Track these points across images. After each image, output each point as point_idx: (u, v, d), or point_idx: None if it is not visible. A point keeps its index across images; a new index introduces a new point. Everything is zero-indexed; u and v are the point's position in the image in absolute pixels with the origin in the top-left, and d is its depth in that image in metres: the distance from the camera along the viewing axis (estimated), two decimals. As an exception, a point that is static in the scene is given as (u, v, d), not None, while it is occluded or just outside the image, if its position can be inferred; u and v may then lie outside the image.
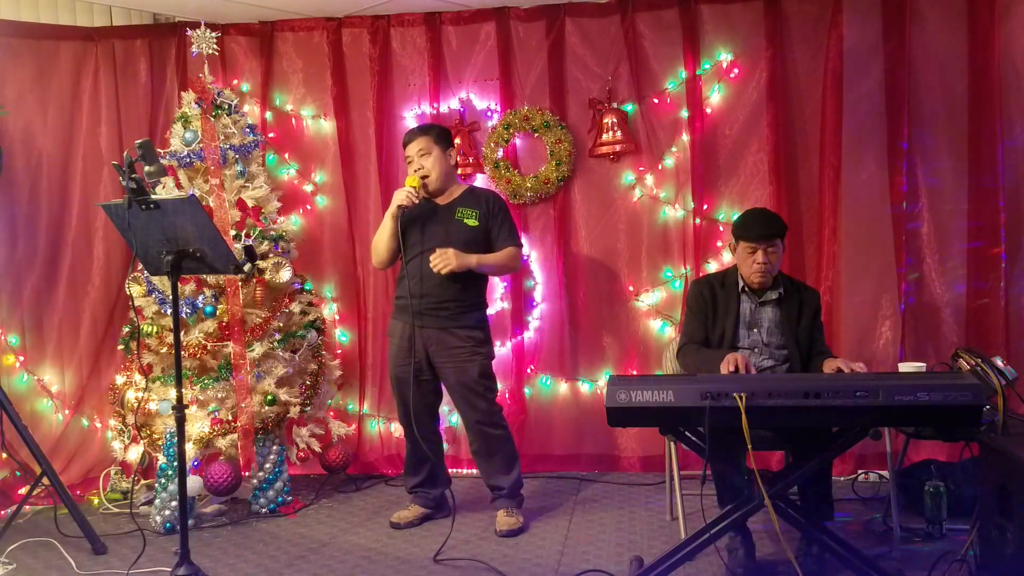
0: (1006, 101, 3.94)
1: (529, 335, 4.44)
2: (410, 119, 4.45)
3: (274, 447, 3.91)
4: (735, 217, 3.48)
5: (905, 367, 2.93)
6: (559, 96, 4.34)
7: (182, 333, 3.63)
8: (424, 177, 3.51)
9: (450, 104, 4.44)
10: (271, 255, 3.96)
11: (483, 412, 3.55)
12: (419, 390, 3.57)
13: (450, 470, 4.00)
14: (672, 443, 3.46)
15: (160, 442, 3.81)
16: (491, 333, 3.68)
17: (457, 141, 4.34)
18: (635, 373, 4.31)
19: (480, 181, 4.40)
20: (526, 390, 4.44)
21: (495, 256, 3.53)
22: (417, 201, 3.44)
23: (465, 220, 3.51)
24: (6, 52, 4.17)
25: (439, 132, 3.61)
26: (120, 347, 4.13)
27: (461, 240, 3.47)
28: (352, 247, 4.52)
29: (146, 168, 2.74)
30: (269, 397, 3.87)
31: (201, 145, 3.92)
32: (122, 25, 4.48)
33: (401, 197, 3.44)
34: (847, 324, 4.14)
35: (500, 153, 4.35)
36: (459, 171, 4.28)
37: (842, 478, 4.02)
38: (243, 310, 3.89)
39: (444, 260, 3.38)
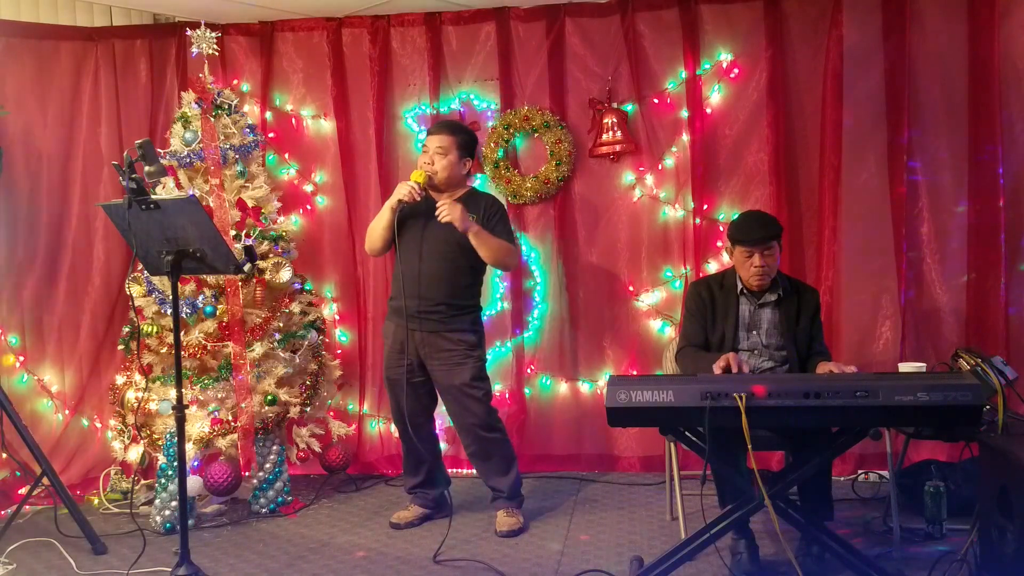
0: (1006, 101, 3.94)
1: (529, 335, 4.44)
2: (410, 119, 4.45)
3: (274, 447, 3.91)
4: (733, 218, 3.47)
5: (905, 367, 2.93)
6: (559, 96, 4.34)
7: (182, 333, 3.63)
8: (431, 175, 3.49)
9: (450, 104, 4.44)
10: (271, 255, 3.96)
11: (478, 415, 3.53)
12: (413, 392, 3.56)
13: (450, 470, 4.01)
14: (672, 443, 3.46)
15: (160, 442, 3.81)
16: (486, 335, 3.66)
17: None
18: (635, 373, 4.31)
19: (480, 181, 4.39)
20: (526, 390, 4.44)
21: (496, 240, 3.46)
22: (419, 199, 3.43)
23: None
24: (6, 52, 4.17)
25: (465, 139, 3.54)
26: (120, 347, 4.13)
27: (456, 242, 3.44)
28: (352, 247, 4.52)
29: (146, 168, 2.74)
30: (269, 397, 3.88)
31: (201, 145, 3.92)
32: (122, 25, 4.48)
33: (403, 192, 3.40)
34: (847, 324, 4.14)
35: (500, 153, 4.35)
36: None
37: (842, 478, 4.02)
38: (243, 310, 3.89)
39: (449, 210, 3.32)
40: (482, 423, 3.54)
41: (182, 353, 3.36)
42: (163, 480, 3.67)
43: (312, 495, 4.14)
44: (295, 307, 4.07)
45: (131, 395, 3.96)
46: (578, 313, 4.40)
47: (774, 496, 2.62)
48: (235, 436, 3.83)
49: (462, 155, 3.52)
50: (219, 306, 3.86)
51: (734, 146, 4.22)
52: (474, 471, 4.17)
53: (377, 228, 3.53)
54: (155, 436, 3.88)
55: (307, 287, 4.25)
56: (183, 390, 2.93)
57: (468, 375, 3.50)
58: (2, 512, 3.87)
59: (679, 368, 3.28)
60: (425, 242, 3.47)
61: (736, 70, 4.19)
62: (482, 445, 3.58)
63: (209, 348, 3.86)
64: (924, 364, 2.99)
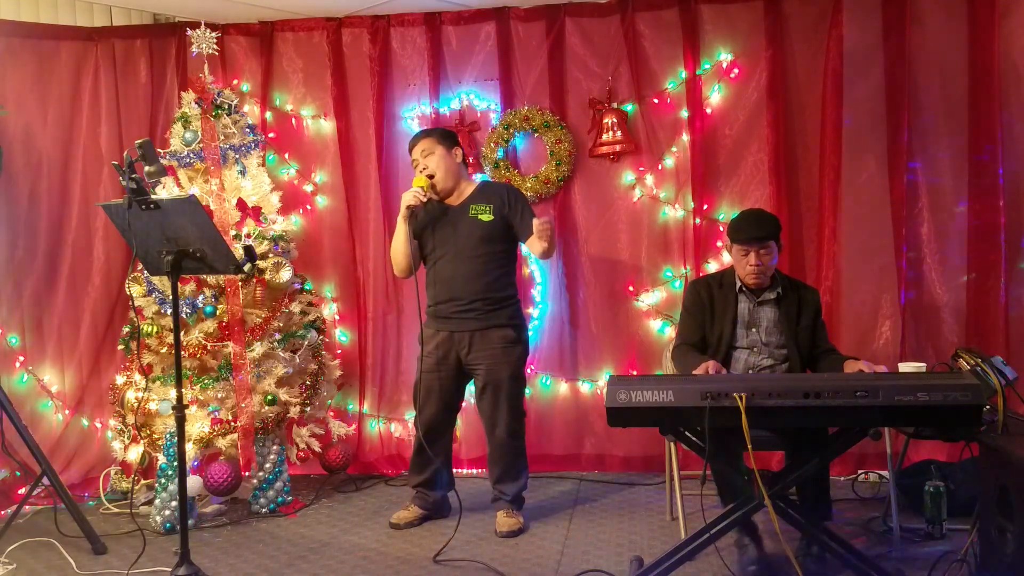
0: (1006, 101, 3.94)
1: (529, 335, 4.43)
2: (410, 119, 4.45)
3: (274, 447, 3.91)
4: (732, 217, 3.47)
5: (905, 367, 2.93)
6: (559, 96, 4.34)
7: (182, 333, 3.63)
8: (431, 176, 3.48)
9: (450, 104, 4.44)
10: (271, 255, 3.96)
11: (507, 423, 3.51)
12: (441, 398, 3.56)
13: (450, 470, 4.01)
14: (672, 443, 3.46)
15: (160, 442, 3.81)
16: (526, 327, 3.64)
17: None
18: (635, 373, 4.31)
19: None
20: (526, 390, 4.42)
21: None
22: (424, 200, 3.42)
23: (480, 216, 3.47)
24: (6, 52, 4.16)
25: (442, 132, 3.61)
26: (120, 347, 4.13)
27: (477, 237, 3.44)
28: (352, 247, 4.52)
29: (146, 168, 2.74)
30: (269, 397, 3.87)
31: (201, 145, 3.92)
32: (122, 25, 4.48)
33: (408, 198, 3.41)
34: (847, 324, 4.13)
35: (500, 153, 4.35)
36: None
37: (842, 478, 4.02)
38: (243, 310, 3.89)
39: (551, 229, 3.36)
40: (508, 428, 3.53)
41: (182, 353, 3.36)
42: (163, 480, 3.66)
43: (312, 495, 4.13)
44: (295, 307, 4.07)
45: (131, 395, 3.96)
46: (578, 313, 4.40)
47: (774, 496, 2.62)
48: (235, 436, 3.83)
49: (448, 146, 3.54)
50: (219, 306, 3.86)
51: (734, 146, 4.22)
52: (475, 471, 4.20)
53: (397, 245, 3.53)
54: (155, 436, 3.88)
55: (307, 287, 4.25)
56: (183, 390, 2.93)
57: (507, 373, 3.49)
58: (2, 512, 3.87)
59: (674, 366, 3.29)
60: (443, 245, 3.48)
61: (736, 70, 4.19)
62: (501, 450, 3.56)
63: (209, 348, 3.86)
64: (924, 364, 2.98)
